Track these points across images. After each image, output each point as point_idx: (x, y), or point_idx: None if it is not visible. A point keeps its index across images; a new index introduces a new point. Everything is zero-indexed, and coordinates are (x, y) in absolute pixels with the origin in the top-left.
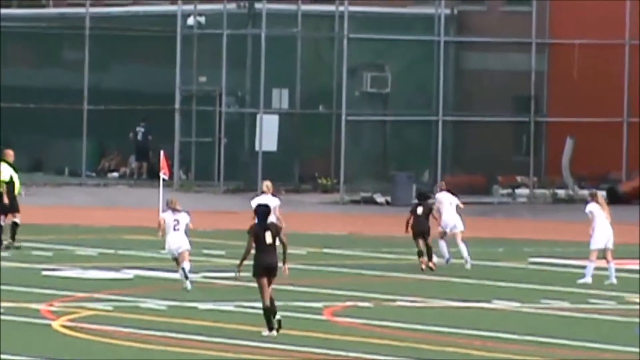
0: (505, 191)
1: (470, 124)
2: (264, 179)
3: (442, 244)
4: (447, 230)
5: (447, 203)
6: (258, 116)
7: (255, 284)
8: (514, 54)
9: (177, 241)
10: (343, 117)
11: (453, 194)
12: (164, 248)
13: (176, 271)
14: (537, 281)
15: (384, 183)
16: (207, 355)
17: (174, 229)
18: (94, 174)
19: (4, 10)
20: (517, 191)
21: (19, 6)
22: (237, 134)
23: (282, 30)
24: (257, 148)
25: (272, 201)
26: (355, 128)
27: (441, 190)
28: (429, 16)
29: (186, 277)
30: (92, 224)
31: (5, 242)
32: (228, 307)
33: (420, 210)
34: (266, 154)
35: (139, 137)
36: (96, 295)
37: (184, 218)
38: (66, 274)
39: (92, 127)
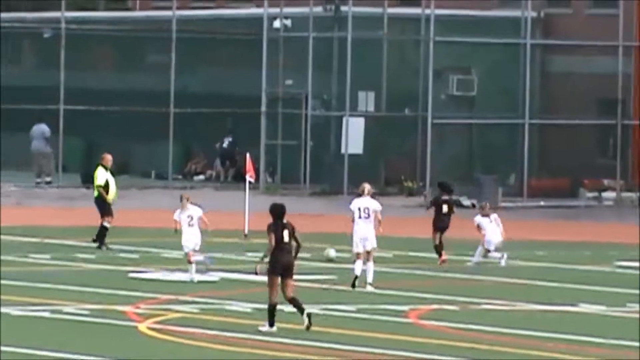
0: (591, 194)
1: (555, 127)
2: (349, 181)
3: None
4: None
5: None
6: (344, 119)
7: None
8: (600, 57)
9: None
10: (429, 120)
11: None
12: (241, 250)
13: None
14: (623, 285)
15: (470, 186)
16: (293, 357)
17: (189, 225)
18: (180, 177)
19: (89, 14)
20: (604, 194)
21: (106, 9)
22: (323, 136)
23: (368, 33)
24: (342, 151)
25: (372, 204)
26: (440, 131)
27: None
28: (515, 19)
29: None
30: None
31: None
32: (313, 309)
33: (445, 208)
34: (352, 156)
35: (225, 145)
36: (182, 298)
37: (196, 212)
38: (152, 276)
39: (178, 130)
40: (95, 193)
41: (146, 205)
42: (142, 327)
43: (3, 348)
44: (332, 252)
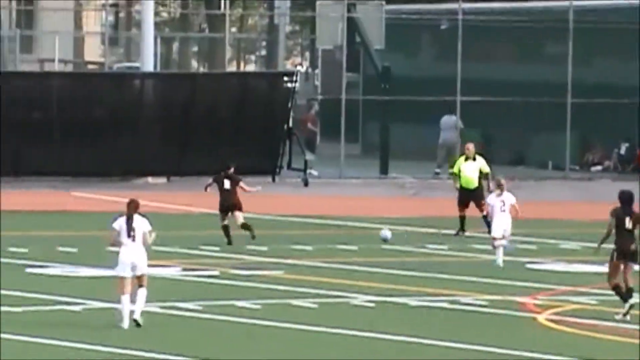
0: None
1: None
2: None
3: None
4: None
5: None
6: None
7: None
8: None
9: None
10: None
11: None
12: None
13: None
14: None
15: None
16: None
17: (501, 210)
18: (577, 168)
19: (486, 5)
20: None
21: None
22: None
23: None
24: None
25: None
26: None
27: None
28: None
29: None
30: (574, 218)
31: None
32: None
33: None
34: None
35: (622, 151)
36: (580, 289)
37: (509, 199)
38: (550, 267)
39: (575, 121)
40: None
41: (543, 197)
42: (541, 318)
43: (402, 338)
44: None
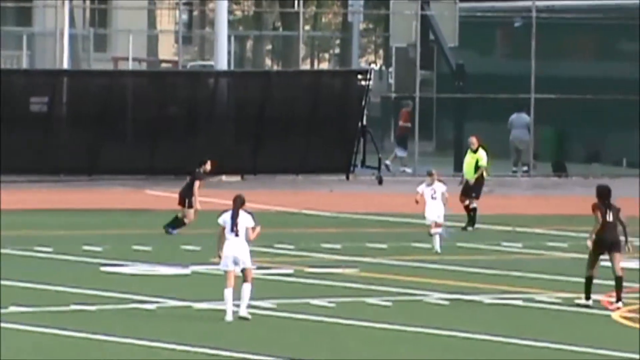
0: None
1: None
2: None
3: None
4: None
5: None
6: None
7: None
8: None
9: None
10: None
11: None
12: None
13: None
14: None
15: None
16: None
17: (432, 198)
18: None
19: (560, 2)
20: None
21: None
22: None
23: None
24: None
25: None
26: None
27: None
28: None
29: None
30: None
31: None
32: None
33: None
34: None
35: None
36: None
37: (440, 188)
38: (625, 265)
39: None
40: (475, 174)
41: (618, 194)
42: (616, 315)
43: (476, 336)
44: None
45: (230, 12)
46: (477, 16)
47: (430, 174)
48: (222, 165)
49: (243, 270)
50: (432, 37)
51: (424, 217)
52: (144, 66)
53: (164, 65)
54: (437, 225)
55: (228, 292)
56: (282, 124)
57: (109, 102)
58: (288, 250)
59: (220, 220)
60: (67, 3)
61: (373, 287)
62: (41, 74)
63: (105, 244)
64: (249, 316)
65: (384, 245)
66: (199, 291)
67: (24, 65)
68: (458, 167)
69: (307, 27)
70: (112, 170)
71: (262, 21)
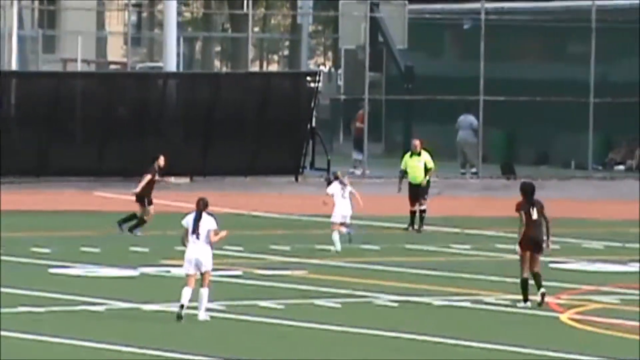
0: None
1: None
2: None
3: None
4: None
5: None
6: None
7: None
8: None
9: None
10: None
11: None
12: None
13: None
14: None
15: None
16: None
17: (342, 197)
18: (600, 167)
19: (508, 4)
20: None
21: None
22: None
23: None
24: None
25: None
26: None
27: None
28: None
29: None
30: (598, 217)
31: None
32: None
33: None
34: None
35: None
36: (603, 289)
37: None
38: (572, 266)
39: (598, 120)
40: (426, 178)
41: (566, 196)
42: (564, 317)
43: (426, 338)
44: None
45: (179, 13)
46: (426, 18)
47: (336, 177)
48: (171, 167)
49: (202, 274)
50: (381, 39)
51: (342, 217)
52: (92, 68)
53: (112, 66)
54: (344, 225)
55: (186, 290)
56: (231, 125)
57: (58, 103)
58: (237, 252)
59: (184, 222)
60: (15, 4)
61: (322, 289)
62: None
63: (53, 245)
64: (209, 318)
65: (332, 247)
66: (147, 293)
67: None
68: None
69: (257, 29)
70: (61, 171)
71: (211, 23)
